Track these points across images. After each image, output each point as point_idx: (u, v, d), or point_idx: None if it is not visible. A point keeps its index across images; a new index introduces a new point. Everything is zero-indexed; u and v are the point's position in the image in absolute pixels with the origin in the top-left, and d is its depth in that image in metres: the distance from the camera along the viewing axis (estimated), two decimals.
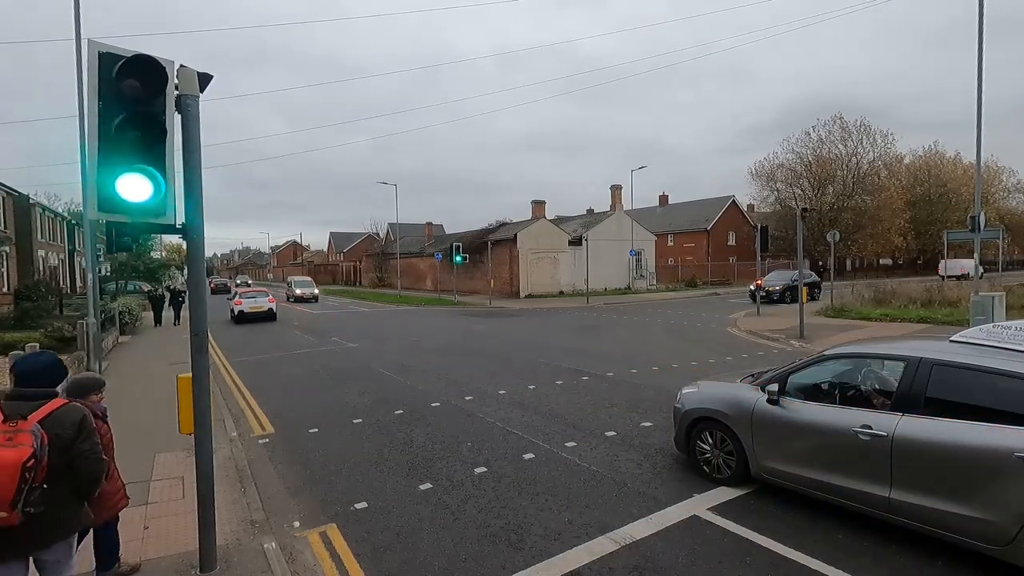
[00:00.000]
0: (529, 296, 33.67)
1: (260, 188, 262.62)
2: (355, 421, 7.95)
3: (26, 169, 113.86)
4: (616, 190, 39.59)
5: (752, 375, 5.79)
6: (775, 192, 50.27)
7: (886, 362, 4.88)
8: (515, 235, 34.45)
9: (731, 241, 51.74)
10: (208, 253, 24.32)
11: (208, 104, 54.05)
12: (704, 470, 5.48)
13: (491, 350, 14.30)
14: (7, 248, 26.65)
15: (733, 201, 53.05)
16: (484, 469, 5.95)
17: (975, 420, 3.73)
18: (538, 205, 36.84)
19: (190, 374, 3.87)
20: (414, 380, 10.65)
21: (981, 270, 19.19)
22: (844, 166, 47.67)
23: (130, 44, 4.99)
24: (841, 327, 16.40)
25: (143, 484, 5.49)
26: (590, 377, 10.42)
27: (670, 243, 52.57)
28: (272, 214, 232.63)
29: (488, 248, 33.49)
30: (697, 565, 3.97)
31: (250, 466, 6.19)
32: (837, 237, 24.29)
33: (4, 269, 26.47)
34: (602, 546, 4.27)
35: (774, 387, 4.86)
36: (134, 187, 3.35)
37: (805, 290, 15.84)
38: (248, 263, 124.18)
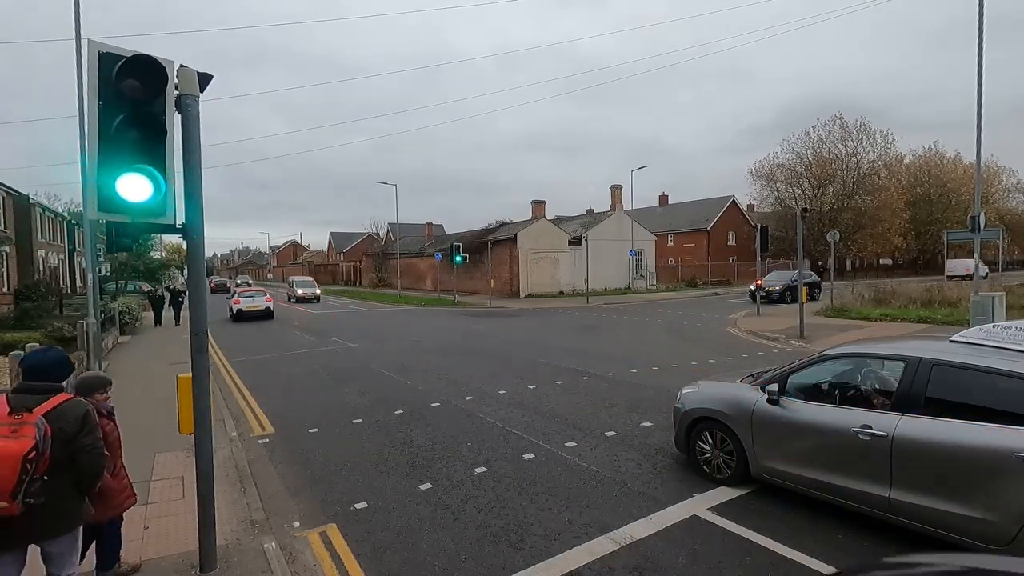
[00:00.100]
0: (529, 296, 33.67)
1: (260, 188, 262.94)
2: (355, 421, 7.95)
3: (26, 169, 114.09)
4: (616, 190, 39.59)
5: (752, 375, 5.79)
6: (775, 192, 50.37)
7: (886, 362, 4.88)
8: (515, 235, 34.45)
9: (731, 241, 51.75)
10: (208, 253, 24.30)
11: (208, 104, 54.05)
12: (704, 470, 5.48)
13: (491, 350, 14.30)
14: (7, 248, 26.65)
15: (733, 201, 53.06)
16: (484, 469, 5.95)
17: (975, 420, 3.73)
18: (538, 205, 36.86)
19: (190, 374, 3.88)
20: (414, 380, 10.66)
21: (986, 270, 19.19)
22: (844, 166, 47.72)
23: (130, 44, 5.01)
24: (841, 327, 16.40)
25: (143, 484, 5.49)
26: (590, 377, 10.42)
27: (670, 243, 52.57)
28: (272, 214, 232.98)
29: (488, 248, 33.49)
30: (697, 565, 3.97)
31: (250, 466, 6.19)
32: (837, 237, 24.32)
33: (4, 269, 26.47)
34: (602, 546, 4.27)
35: (774, 387, 4.86)
36: (134, 187, 3.35)
37: (805, 290, 15.84)
38: (248, 263, 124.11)
